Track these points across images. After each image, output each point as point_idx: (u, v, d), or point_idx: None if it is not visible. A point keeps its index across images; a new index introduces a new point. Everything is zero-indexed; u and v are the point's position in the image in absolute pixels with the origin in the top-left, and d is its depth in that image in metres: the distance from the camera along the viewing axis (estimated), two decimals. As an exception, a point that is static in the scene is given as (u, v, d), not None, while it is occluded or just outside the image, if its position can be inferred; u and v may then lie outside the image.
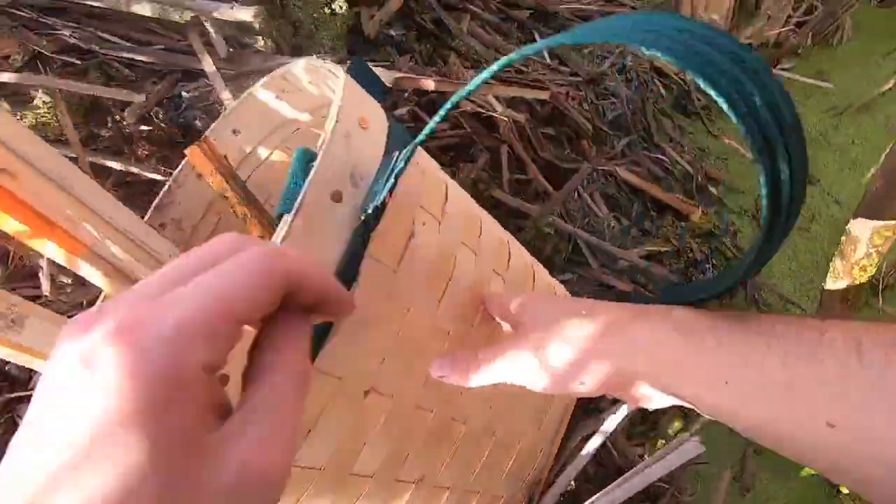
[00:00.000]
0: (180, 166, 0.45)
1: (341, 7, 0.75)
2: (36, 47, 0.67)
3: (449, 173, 0.84)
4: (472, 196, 0.93)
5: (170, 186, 0.45)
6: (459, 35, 0.98)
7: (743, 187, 1.13)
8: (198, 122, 0.69)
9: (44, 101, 0.65)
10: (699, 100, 1.30)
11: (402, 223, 0.29)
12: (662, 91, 1.28)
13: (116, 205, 0.37)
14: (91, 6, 0.68)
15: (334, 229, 0.26)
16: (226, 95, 0.69)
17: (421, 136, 0.26)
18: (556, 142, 1.08)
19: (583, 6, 1.38)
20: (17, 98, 0.66)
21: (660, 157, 1.15)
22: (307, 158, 0.28)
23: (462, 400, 0.37)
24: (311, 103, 0.44)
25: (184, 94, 0.67)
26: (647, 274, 0.90)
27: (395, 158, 0.27)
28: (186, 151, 0.40)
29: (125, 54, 0.69)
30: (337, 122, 0.27)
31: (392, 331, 0.30)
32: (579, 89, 1.15)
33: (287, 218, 0.25)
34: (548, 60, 1.17)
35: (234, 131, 0.45)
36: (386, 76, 0.73)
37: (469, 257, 0.35)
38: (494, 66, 0.22)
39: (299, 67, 0.39)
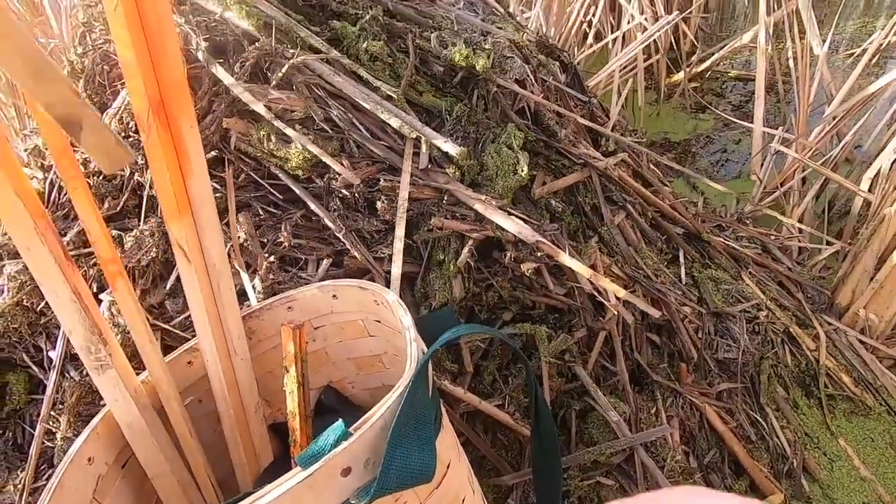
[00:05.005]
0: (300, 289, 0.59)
1: (523, 170, 0.92)
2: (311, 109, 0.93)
3: (546, 333, 0.91)
4: (554, 365, 0.98)
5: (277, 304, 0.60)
6: (609, 226, 1.10)
7: (841, 501, 1.01)
8: (378, 204, 0.87)
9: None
10: (828, 387, 1.23)
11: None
12: (789, 360, 1.23)
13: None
14: (354, 102, 0.93)
15: (332, 494, 0.34)
16: (404, 195, 0.88)
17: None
18: (656, 350, 1.10)
19: (736, 246, 1.43)
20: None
21: (758, 418, 1.09)
22: (341, 436, 0.36)
23: None
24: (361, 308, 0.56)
25: (382, 180, 0.87)
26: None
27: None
28: (282, 326, 0.53)
29: (360, 139, 0.93)
30: (377, 422, 0.36)
31: None
32: (700, 317, 1.17)
33: (298, 470, 0.33)
34: (682, 279, 1.22)
35: (290, 308, 0.58)
36: (528, 233, 0.87)
37: None
38: (438, 344, 0.42)
39: (391, 300, 0.50)
